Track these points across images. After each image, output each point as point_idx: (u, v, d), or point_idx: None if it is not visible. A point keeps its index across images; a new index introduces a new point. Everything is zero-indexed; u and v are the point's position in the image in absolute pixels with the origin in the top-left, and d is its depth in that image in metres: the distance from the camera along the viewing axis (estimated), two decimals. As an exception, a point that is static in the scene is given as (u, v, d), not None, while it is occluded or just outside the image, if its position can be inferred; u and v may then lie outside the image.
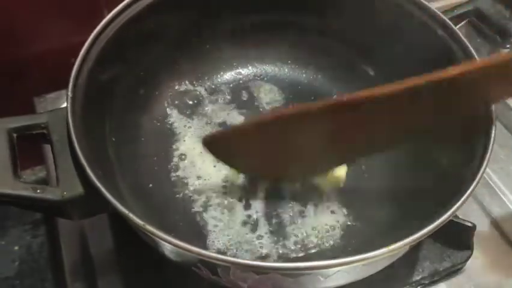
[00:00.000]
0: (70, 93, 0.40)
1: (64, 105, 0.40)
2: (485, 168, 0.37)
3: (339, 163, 0.45)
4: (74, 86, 0.40)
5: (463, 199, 0.35)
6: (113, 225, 0.48)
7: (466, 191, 0.36)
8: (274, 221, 0.46)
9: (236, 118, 0.53)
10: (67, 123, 0.38)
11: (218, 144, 0.44)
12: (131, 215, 0.34)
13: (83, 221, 0.49)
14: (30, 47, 0.59)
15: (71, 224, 0.49)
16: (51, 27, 0.58)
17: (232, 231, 0.45)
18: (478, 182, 0.36)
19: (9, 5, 0.54)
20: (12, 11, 0.55)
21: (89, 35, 0.43)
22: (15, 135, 0.39)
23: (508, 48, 0.47)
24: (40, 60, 0.59)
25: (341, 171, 0.47)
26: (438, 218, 0.34)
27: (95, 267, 0.47)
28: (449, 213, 0.35)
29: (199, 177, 0.48)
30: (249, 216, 0.46)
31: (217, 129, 0.50)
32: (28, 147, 0.41)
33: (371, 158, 0.48)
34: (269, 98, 0.55)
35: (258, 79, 0.56)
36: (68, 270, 0.47)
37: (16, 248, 0.59)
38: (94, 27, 0.44)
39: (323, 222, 0.46)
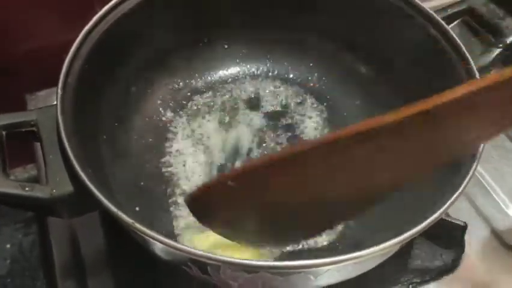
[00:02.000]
0: (59, 91, 0.39)
1: (55, 102, 0.40)
2: (476, 167, 0.37)
3: (346, 217, 0.38)
4: (64, 83, 0.40)
5: (453, 198, 0.35)
6: (104, 225, 0.48)
7: (456, 190, 0.36)
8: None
9: (230, 117, 0.53)
10: (57, 121, 0.38)
11: (202, 205, 0.34)
12: (120, 213, 0.34)
13: (74, 220, 0.49)
14: (23, 44, 0.59)
15: (62, 223, 0.49)
16: (44, 24, 0.57)
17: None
18: (468, 181, 0.36)
19: (1, 2, 0.54)
20: (4, 8, 0.55)
21: (80, 32, 0.43)
22: (4, 132, 0.39)
23: (500, 47, 0.47)
24: (32, 57, 0.59)
25: None
26: (428, 216, 0.34)
27: (86, 266, 0.46)
28: (439, 212, 0.35)
29: (189, 177, 0.48)
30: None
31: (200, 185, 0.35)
32: (20, 145, 0.41)
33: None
34: (262, 96, 0.55)
35: (251, 78, 0.56)
36: (59, 269, 0.47)
37: (8, 246, 0.59)
38: (86, 25, 0.44)
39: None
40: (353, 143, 0.28)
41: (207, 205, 0.34)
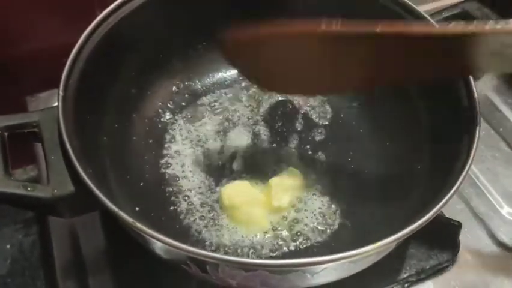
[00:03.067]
0: (61, 93, 0.40)
1: (56, 104, 0.40)
2: (469, 166, 0.38)
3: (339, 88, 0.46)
4: (66, 85, 0.41)
5: (447, 197, 0.36)
6: (105, 225, 0.48)
7: (450, 189, 0.36)
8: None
9: (229, 119, 0.54)
10: (58, 122, 0.38)
11: (235, 47, 0.43)
12: (121, 213, 0.34)
13: (74, 220, 0.49)
14: (23, 47, 0.59)
15: (63, 223, 0.49)
16: (44, 26, 0.58)
17: (219, 231, 0.46)
18: (462, 180, 0.37)
19: (1, 4, 0.54)
20: (4, 10, 0.55)
21: (81, 34, 0.44)
22: (6, 133, 0.39)
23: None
24: (32, 59, 0.59)
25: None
26: (423, 216, 0.35)
27: (87, 266, 0.47)
28: (433, 211, 0.35)
29: (188, 178, 0.49)
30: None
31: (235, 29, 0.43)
32: (20, 147, 0.42)
33: (360, 156, 0.49)
34: (260, 98, 0.55)
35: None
36: (60, 269, 0.48)
37: (8, 246, 0.59)
38: (86, 27, 0.44)
39: (314, 220, 0.46)
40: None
41: (239, 51, 0.43)
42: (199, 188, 0.48)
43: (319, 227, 0.46)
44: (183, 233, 0.45)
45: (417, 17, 0.47)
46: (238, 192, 0.46)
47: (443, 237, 0.48)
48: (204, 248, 0.44)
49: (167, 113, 0.53)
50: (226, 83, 0.56)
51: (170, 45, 0.52)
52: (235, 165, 0.50)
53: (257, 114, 0.54)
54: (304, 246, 0.45)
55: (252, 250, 0.44)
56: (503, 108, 0.60)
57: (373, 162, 0.49)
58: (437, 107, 0.46)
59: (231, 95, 0.55)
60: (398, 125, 0.50)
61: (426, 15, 0.47)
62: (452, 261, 0.48)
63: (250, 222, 0.46)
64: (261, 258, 0.43)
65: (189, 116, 0.53)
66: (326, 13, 0.51)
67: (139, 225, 0.34)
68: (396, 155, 0.48)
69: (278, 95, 0.56)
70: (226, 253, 0.44)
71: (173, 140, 0.52)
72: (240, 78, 0.56)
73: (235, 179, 0.49)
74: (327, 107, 0.54)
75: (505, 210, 0.52)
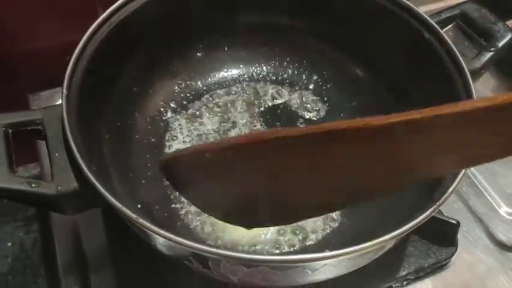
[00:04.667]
0: (65, 91, 0.40)
1: (58, 102, 0.41)
2: (467, 166, 0.38)
3: (323, 210, 0.35)
4: (69, 83, 0.41)
5: (446, 195, 0.36)
6: (107, 222, 0.49)
7: (449, 188, 0.37)
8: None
9: (230, 118, 0.54)
10: (62, 120, 0.39)
11: (178, 171, 0.34)
12: (124, 209, 0.35)
13: (76, 217, 0.49)
14: (25, 45, 0.59)
15: (65, 220, 0.50)
16: (46, 25, 0.58)
17: (220, 228, 0.46)
18: (460, 179, 0.37)
19: (3, 2, 0.55)
20: (6, 8, 0.56)
21: (83, 33, 0.44)
22: (10, 131, 0.40)
23: (492, 51, 0.49)
24: (34, 57, 0.60)
25: None
26: (421, 214, 0.36)
27: (88, 263, 0.47)
28: (431, 209, 0.36)
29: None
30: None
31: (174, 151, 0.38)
32: (21, 145, 0.42)
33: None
34: (261, 97, 0.56)
35: (250, 79, 0.57)
36: (61, 267, 0.48)
37: (9, 244, 0.60)
38: (89, 26, 0.44)
39: (314, 218, 0.47)
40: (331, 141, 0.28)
41: (181, 173, 0.34)
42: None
43: (319, 225, 0.46)
44: (184, 230, 0.46)
45: (416, 17, 0.47)
46: None
47: (442, 236, 0.48)
48: (205, 244, 0.44)
49: (169, 112, 0.53)
50: (227, 82, 0.56)
51: (172, 44, 0.52)
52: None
53: (257, 114, 0.55)
54: (305, 243, 0.45)
55: (253, 247, 0.45)
56: (501, 108, 0.60)
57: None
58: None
59: (232, 94, 0.56)
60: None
61: (426, 16, 0.47)
62: (450, 259, 0.49)
63: None
64: (262, 254, 0.44)
65: (190, 115, 0.54)
66: (325, 15, 0.52)
67: (142, 221, 0.34)
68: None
69: (277, 97, 0.56)
70: (227, 249, 0.44)
71: (174, 139, 0.52)
72: (241, 78, 0.57)
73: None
74: (326, 107, 0.55)
75: (503, 209, 0.53)
